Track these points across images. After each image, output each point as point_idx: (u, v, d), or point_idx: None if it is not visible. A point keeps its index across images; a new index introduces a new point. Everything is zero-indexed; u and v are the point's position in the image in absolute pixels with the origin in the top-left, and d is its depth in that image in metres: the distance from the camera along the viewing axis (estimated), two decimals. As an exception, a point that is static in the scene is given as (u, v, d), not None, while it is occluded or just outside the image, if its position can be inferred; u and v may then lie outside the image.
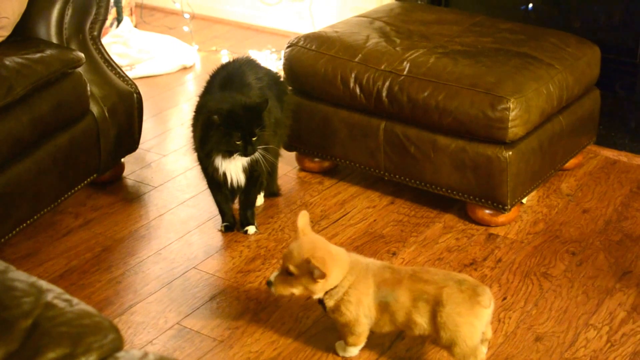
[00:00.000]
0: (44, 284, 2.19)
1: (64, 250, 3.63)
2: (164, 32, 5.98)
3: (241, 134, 3.38)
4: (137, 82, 5.04)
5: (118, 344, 2.07)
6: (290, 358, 2.99)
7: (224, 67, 3.74)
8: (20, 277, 2.20)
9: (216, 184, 3.66)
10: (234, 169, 3.54)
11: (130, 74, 5.29)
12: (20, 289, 2.14)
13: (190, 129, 3.68)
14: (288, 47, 4.06)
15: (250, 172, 3.59)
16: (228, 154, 3.45)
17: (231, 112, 3.38)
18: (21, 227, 3.49)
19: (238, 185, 3.61)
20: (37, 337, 1.99)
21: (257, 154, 3.46)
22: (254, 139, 3.40)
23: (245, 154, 3.42)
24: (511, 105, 3.48)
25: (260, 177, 3.67)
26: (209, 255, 3.60)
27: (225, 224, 3.76)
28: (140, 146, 4.32)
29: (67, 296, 2.16)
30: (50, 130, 3.58)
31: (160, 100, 5.09)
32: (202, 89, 3.72)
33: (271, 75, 3.83)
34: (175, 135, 4.66)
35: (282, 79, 3.91)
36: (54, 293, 2.15)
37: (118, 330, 2.10)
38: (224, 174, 3.55)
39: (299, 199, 4.00)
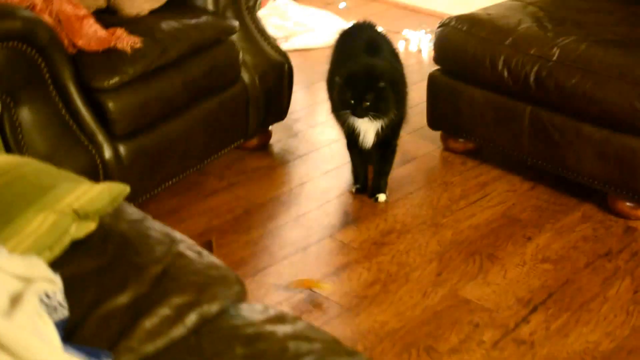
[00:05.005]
0: (177, 234, 2.30)
1: (206, 209, 3.76)
2: (321, 7, 6.06)
3: (352, 94, 3.52)
4: (291, 54, 5.14)
5: (242, 296, 2.16)
6: (413, 331, 3.03)
7: (360, 30, 3.90)
8: (155, 226, 2.31)
9: (353, 143, 3.78)
10: (364, 127, 3.65)
11: (286, 45, 5.39)
12: (154, 237, 2.25)
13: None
14: (440, 26, 4.08)
15: (382, 137, 3.69)
16: (344, 109, 3.60)
17: (351, 73, 3.55)
18: (167, 184, 3.64)
19: (367, 145, 3.72)
20: (165, 282, 2.10)
21: (383, 121, 3.60)
22: (365, 103, 3.51)
23: (354, 114, 3.56)
24: (660, 98, 3.42)
25: (392, 146, 3.80)
26: (346, 225, 3.67)
27: (357, 186, 3.88)
28: (289, 116, 4.42)
29: (198, 248, 2.26)
30: (201, 93, 3.71)
31: (312, 73, 5.16)
32: (337, 50, 3.89)
33: (390, 42, 3.94)
34: (324, 108, 4.71)
35: (394, 48, 3.98)
36: (186, 244, 2.26)
37: (243, 283, 2.19)
38: (356, 130, 3.68)
39: (440, 177, 4.03)
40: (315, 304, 3.18)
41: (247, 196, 3.87)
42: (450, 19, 4.07)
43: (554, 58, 3.67)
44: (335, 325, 3.06)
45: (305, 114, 4.67)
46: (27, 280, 1.74)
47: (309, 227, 3.65)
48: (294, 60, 4.58)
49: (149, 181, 3.55)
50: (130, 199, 3.35)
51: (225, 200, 3.84)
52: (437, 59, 4.11)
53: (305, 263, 3.41)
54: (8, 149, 3.12)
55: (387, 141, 3.74)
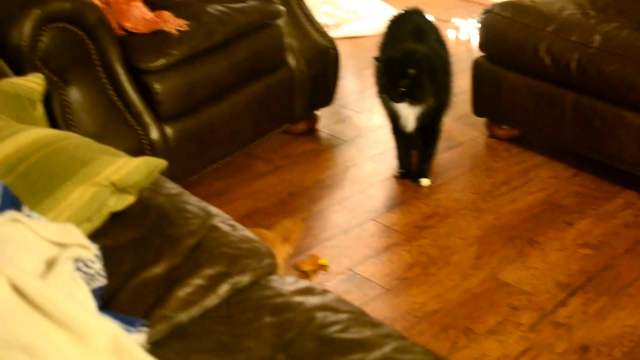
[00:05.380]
0: (213, 209, 2.35)
1: (252, 192, 3.82)
2: (373, -4, 6.10)
3: (388, 79, 3.61)
4: (341, 41, 5.20)
5: (272, 268, 2.21)
6: (451, 312, 3.07)
7: (409, 16, 3.94)
8: (192, 200, 2.37)
9: (396, 128, 3.84)
10: (404, 112, 3.71)
11: (336, 33, 5.45)
12: (191, 211, 2.31)
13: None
14: (484, 13, 4.11)
15: (423, 122, 3.73)
16: (383, 92, 3.70)
17: (389, 58, 3.64)
18: (214, 166, 3.71)
19: (407, 129, 3.78)
20: (198, 254, 2.16)
21: (421, 107, 3.66)
22: (400, 88, 3.57)
23: (391, 98, 3.64)
24: (701, 85, 3.42)
25: (435, 131, 3.85)
26: (388, 209, 3.71)
27: (401, 170, 3.93)
28: (336, 101, 4.48)
29: (233, 222, 2.32)
30: (247, 77, 3.77)
31: (362, 59, 5.20)
32: (385, 36, 3.93)
33: (437, 30, 3.97)
34: (371, 94, 4.74)
35: (441, 36, 3.99)
36: (221, 218, 2.32)
37: (274, 256, 2.24)
38: (397, 114, 3.75)
39: (483, 163, 4.05)
40: (355, 284, 3.22)
41: (293, 179, 3.92)
42: (494, 5, 4.08)
43: (595, 45, 3.67)
44: (374, 306, 3.11)
45: (353, 100, 4.72)
46: (62, 246, 1.81)
47: (352, 210, 3.69)
48: (344, 48, 4.61)
49: (195, 162, 3.62)
50: (177, 179, 3.43)
51: (271, 183, 3.90)
52: (482, 45, 4.13)
53: (347, 245, 3.45)
54: (57, 128, 3.20)
55: (429, 126, 3.78)
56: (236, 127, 3.76)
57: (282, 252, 3.07)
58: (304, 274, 3.26)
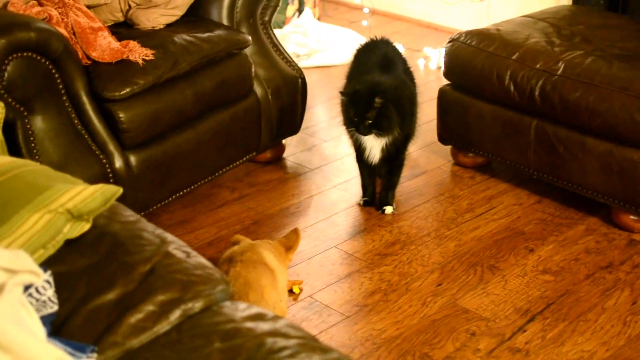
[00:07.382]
0: (169, 236, 2.38)
1: (216, 220, 3.85)
2: (345, 26, 6.15)
3: (355, 112, 3.64)
4: (312, 71, 5.25)
5: (225, 295, 2.24)
6: (411, 339, 3.09)
7: (376, 46, 3.97)
8: (148, 227, 2.40)
9: (361, 157, 3.87)
10: (369, 144, 3.75)
11: (307, 62, 5.49)
12: (146, 238, 2.34)
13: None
14: (449, 42, 4.15)
15: (388, 153, 3.76)
16: (349, 126, 3.72)
17: (354, 91, 3.66)
18: (178, 194, 3.73)
19: (373, 161, 3.81)
20: (151, 280, 2.19)
21: (387, 139, 3.69)
22: (367, 121, 3.61)
23: (357, 131, 3.67)
24: (661, 112, 3.47)
25: (399, 160, 3.87)
26: (351, 237, 3.74)
27: (365, 198, 3.96)
28: (304, 130, 4.51)
29: (188, 249, 2.34)
30: (213, 106, 3.80)
31: (331, 89, 5.24)
32: (352, 65, 3.97)
33: (404, 59, 3.99)
34: (339, 123, 4.79)
35: (409, 66, 4.03)
36: (176, 245, 2.34)
37: (228, 282, 2.27)
38: (362, 146, 3.79)
39: (448, 191, 4.09)
40: (315, 312, 3.25)
41: (257, 208, 3.95)
42: (460, 34, 4.13)
43: (559, 72, 3.73)
44: (333, 333, 3.13)
45: (321, 129, 4.75)
46: (11, 272, 1.82)
47: (316, 238, 3.72)
48: (315, 77, 4.61)
49: (159, 191, 3.63)
50: (141, 208, 3.48)
51: (236, 211, 3.92)
52: (447, 74, 4.18)
53: (308, 272, 3.48)
54: (20, 157, 3.22)
55: (394, 156, 3.81)
56: (201, 156, 3.78)
57: (286, 260, 3.16)
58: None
